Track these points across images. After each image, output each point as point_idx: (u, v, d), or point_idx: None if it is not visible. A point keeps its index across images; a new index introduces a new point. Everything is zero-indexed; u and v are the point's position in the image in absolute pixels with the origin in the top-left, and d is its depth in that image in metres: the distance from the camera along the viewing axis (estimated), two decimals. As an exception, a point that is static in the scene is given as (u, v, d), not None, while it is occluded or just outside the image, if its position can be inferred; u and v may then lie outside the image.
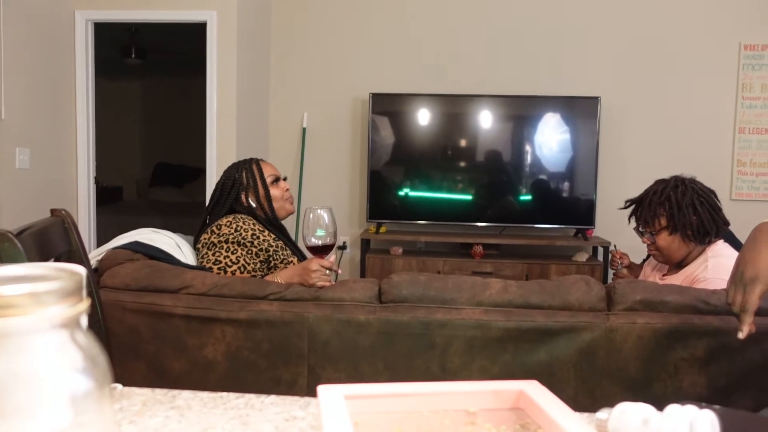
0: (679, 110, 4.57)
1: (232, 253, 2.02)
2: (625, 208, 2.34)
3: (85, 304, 0.41)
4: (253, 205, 2.20)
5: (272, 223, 2.20)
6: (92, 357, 0.41)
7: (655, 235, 2.16)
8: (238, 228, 2.05)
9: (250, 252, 2.03)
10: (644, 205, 2.19)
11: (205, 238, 2.09)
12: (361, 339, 1.72)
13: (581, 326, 1.68)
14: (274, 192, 2.22)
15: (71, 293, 0.39)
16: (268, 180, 2.22)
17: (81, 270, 0.42)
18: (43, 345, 0.39)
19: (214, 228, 2.08)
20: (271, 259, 2.07)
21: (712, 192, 2.15)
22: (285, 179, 2.33)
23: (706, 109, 4.55)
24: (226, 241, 2.03)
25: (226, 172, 2.26)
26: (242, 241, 2.03)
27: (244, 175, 2.21)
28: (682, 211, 2.08)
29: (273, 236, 2.12)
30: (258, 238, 2.06)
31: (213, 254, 2.02)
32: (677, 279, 2.13)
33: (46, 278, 0.39)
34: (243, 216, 2.11)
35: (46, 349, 0.39)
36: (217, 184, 2.25)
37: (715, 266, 2.03)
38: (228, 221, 2.07)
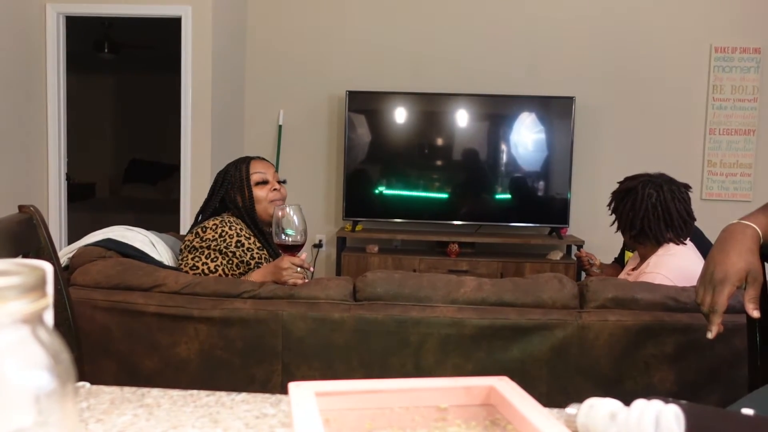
0: (652, 111, 4.64)
1: (212, 261, 1.95)
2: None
3: (47, 299, 0.40)
4: (240, 205, 2.10)
5: (258, 226, 2.10)
6: (55, 354, 0.40)
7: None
8: (223, 234, 1.97)
9: (230, 262, 1.96)
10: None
11: (188, 240, 2.01)
12: (336, 337, 1.72)
13: (554, 324, 1.70)
14: (257, 193, 2.10)
15: (33, 288, 0.39)
16: (253, 179, 2.11)
17: (44, 265, 0.41)
18: (3, 341, 0.38)
19: (199, 230, 2.00)
20: (251, 271, 2.00)
21: (676, 205, 2.16)
22: (282, 182, 2.20)
23: (678, 110, 4.63)
24: (208, 247, 1.96)
25: (222, 169, 2.18)
26: (224, 249, 1.96)
27: (232, 174, 2.12)
28: (624, 201, 2.22)
29: (258, 245, 2.04)
30: (242, 246, 1.98)
31: (192, 258, 1.96)
32: (635, 273, 2.21)
33: (7, 273, 0.38)
34: (231, 219, 2.03)
35: (7, 346, 0.38)
36: (214, 181, 2.18)
37: (656, 263, 2.12)
38: (214, 224, 1.99)
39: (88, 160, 7.09)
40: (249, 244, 2.01)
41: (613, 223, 2.29)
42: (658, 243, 2.17)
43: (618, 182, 2.34)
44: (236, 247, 1.97)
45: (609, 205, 2.32)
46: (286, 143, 4.79)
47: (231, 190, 2.12)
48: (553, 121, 4.49)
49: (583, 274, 4.33)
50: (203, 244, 1.97)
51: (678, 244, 2.17)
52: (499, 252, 4.50)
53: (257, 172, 2.13)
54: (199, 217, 2.16)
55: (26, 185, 4.00)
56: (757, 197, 4.56)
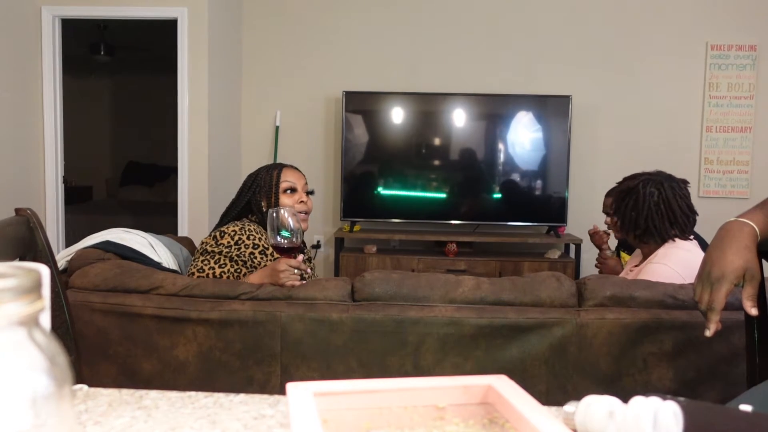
0: (649, 109, 4.65)
1: (219, 267, 1.93)
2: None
3: (43, 302, 0.40)
4: (264, 210, 2.07)
5: None
6: (51, 356, 0.40)
7: (611, 214, 2.33)
8: (239, 242, 1.95)
9: (238, 271, 1.94)
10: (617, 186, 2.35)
11: (205, 242, 1.99)
12: (334, 337, 1.72)
13: (552, 322, 1.70)
14: (283, 201, 2.08)
15: (28, 291, 0.39)
16: (282, 186, 2.09)
17: (39, 267, 0.41)
18: (-1, 344, 0.38)
19: (217, 234, 1.97)
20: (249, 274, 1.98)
21: (681, 205, 2.17)
22: (310, 193, 2.17)
23: (674, 107, 4.64)
24: (220, 253, 1.94)
25: (253, 172, 2.18)
26: (235, 258, 1.93)
27: (263, 178, 2.11)
28: (625, 202, 2.21)
29: (277, 256, 1.97)
30: (256, 258, 1.96)
31: (202, 262, 1.94)
32: (639, 269, 2.21)
33: (2, 276, 0.38)
34: (252, 228, 2.00)
35: (3, 348, 0.38)
36: (243, 182, 2.18)
37: (663, 254, 2.13)
38: (233, 230, 1.97)
39: (85, 163, 7.08)
40: (262, 257, 1.97)
41: (616, 223, 2.27)
42: (663, 240, 2.16)
43: (617, 182, 2.34)
44: (249, 257, 1.95)
45: (610, 207, 2.31)
46: (283, 144, 4.79)
47: (258, 193, 2.11)
48: (550, 120, 4.49)
49: (582, 273, 4.35)
50: (216, 249, 1.95)
51: (684, 240, 2.16)
52: (497, 251, 4.50)
53: (287, 180, 2.12)
54: (224, 219, 2.14)
55: (23, 188, 3.99)
56: (754, 194, 4.57)
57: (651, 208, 2.14)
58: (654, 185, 2.16)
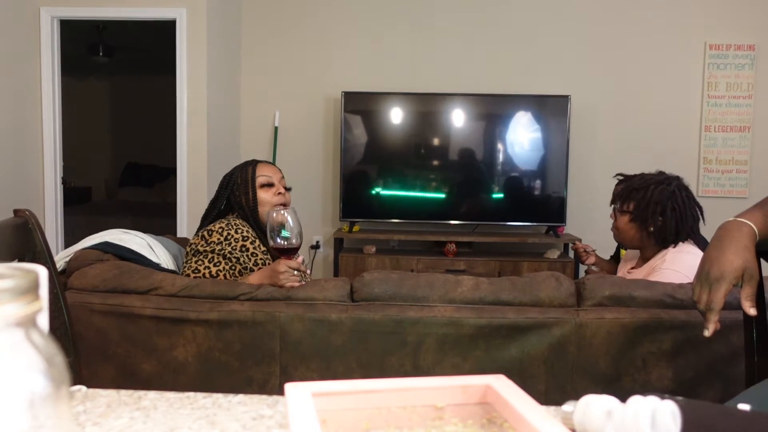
0: (648, 108, 4.65)
1: (214, 266, 1.93)
2: (616, 176, 2.38)
3: (41, 302, 0.40)
4: (244, 205, 2.09)
5: (261, 228, 2.06)
6: (49, 357, 0.40)
7: (620, 214, 2.24)
8: (228, 237, 1.95)
9: (233, 268, 1.94)
10: (628, 183, 2.25)
11: (194, 243, 1.99)
12: (334, 338, 1.72)
13: (551, 322, 1.70)
14: (261, 196, 2.08)
15: (26, 291, 0.39)
16: (258, 181, 2.10)
17: (36, 268, 0.41)
18: (-4, 345, 0.38)
19: (205, 234, 1.98)
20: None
21: (697, 206, 2.17)
22: (288, 189, 2.18)
23: (673, 107, 4.64)
24: (212, 251, 1.94)
25: (228, 171, 2.18)
26: (228, 255, 1.94)
27: (238, 175, 2.12)
28: (651, 207, 2.15)
29: (264, 249, 2.01)
30: (247, 251, 1.96)
31: (195, 262, 1.95)
32: (642, 272, 2.18)
33: (0, 276, 0.38)
34: (237, 222, 2.00)
35: (0, 349, 0.38)
36: (220, 183, 2.19)
37: (672, 259, 2.10)
38: (220, 227, 1.97)
39: (84, 164, 7.08)
40: (254, 249, 1.98)
41: (650, 228, 2.16)
42: (672, 243, 2.15)
43: (617, 181, 2.30)
44: (240, 251, 1.95)
45: (647, 216, 2.21)
46: (282, 145, 4.79)
47: (236, 191, 2.11)
48: (549, 120, 4.49)
49: (581, 273, 4.34)
50: (208, 248, 1.95)
51: (686, 243, 2.15)
52: (496, 251, 4.50)
53: (263, 174, 2.12)
54: (205, 220, 2.15)
55: (22, 189, 3.99)
56: (753, 194, 4.57)
57: (678, 212, 2.10)
58: (677, 187, 2.14)
